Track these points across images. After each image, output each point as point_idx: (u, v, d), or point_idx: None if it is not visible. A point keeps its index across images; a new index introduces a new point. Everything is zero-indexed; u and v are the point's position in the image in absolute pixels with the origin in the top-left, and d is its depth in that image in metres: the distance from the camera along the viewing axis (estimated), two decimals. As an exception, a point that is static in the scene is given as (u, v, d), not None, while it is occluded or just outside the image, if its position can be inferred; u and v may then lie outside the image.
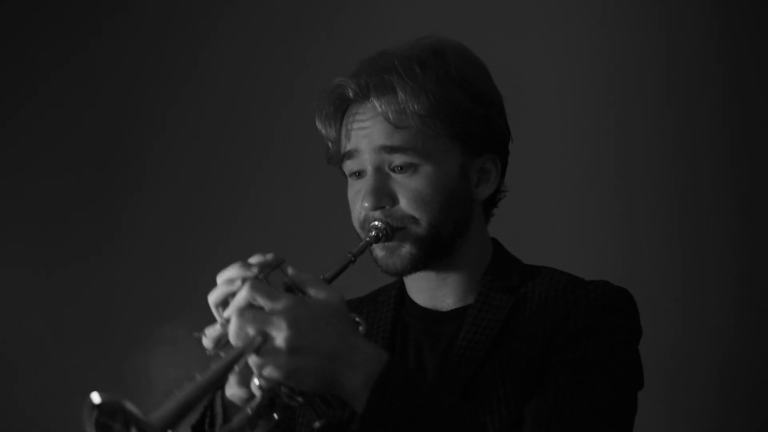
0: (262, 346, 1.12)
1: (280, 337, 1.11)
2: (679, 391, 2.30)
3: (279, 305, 1.13)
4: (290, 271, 1.21)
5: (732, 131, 2.41)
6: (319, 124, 1.49)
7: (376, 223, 1.41)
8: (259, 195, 2.83)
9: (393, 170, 1.41)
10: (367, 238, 1.40)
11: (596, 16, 2.53)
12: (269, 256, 1.23)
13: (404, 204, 1.41)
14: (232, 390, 1.26)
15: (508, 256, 1.53)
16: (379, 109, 1.40)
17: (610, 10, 2.51)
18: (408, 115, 1.39)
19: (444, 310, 1.49)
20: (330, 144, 1.50)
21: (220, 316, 1.23)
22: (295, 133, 2.81)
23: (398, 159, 1.40)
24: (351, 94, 1.44)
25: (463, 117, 1.41)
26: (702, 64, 2.44)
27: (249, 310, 1.14)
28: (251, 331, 1.12)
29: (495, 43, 2.48)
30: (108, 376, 2.84)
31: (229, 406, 1.28)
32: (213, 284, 3.07)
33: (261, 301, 1.14)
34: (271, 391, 1.16)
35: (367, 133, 1.42)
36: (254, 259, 1.24)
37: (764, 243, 2.37)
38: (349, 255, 1.36)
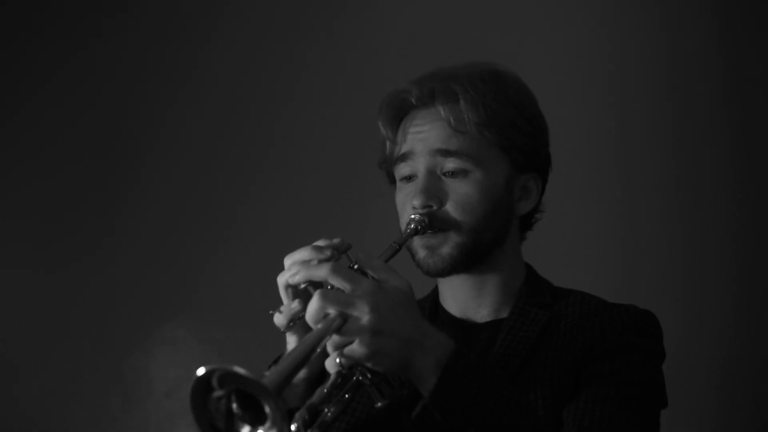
0: (341, 327, 1.18)
1: (364, 318, 1.18)
2: (679, 392, 2.29)
3: (360, 289, 1.19)
4: (361, 256, 1.27)
5: (732, 131, 2.41)
6: (380, 126, 1.54)
7: (413, 216, 1.46)
8: (260, 195, 2.83)
9: (444, 174, 1.47)
10: (407, 230, 1.45)
11: (596, 16, 2.52)
12: (336, 240, 1.31)
13: (451, 207, 1.46)
14: None
15: (540, 278, 1.59)
16: (442, 114, 1.47)
17: (610, 10, 2.51)
18: (466, 123, 1.45)
19: (479, 321, 1.54)
20: (388, 144, 1.54)
21: (288, 296, 1.30)
22: (295, 133, 2.82)
23: (451, 163, 1.46)
24: (413, 100, 1.50)
25: (515, 132, 1.49)
26: (702, 64, 2.43)
27: (332, 291, 1.20)
28: (332, 311, 1.18)
29: (495, 42, 2.48)
30: (108, 376, 2.85)
31: None
32: (212, 285, 3.09)
33: (342, 284, 1.21)
34: (346, 369, 1.22)
35: (424, 136, 1.48)
36: (323, 242, 1.30)
37: (764, 243, 2.37)
38: (395, 244, 1.42)
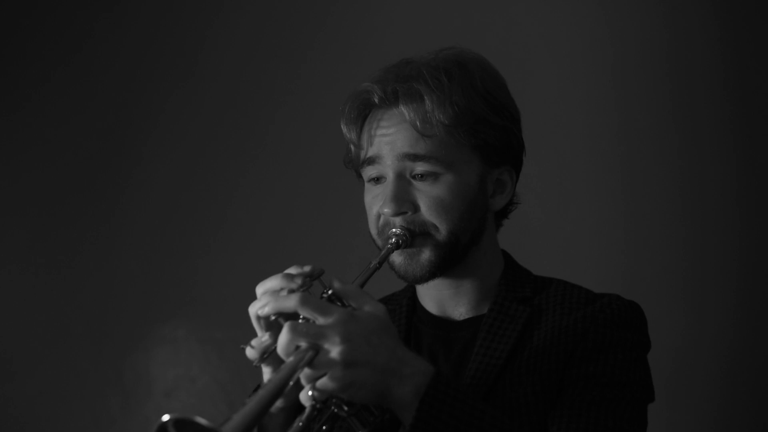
0: (313, 359, 1.14)
1: (334, 351, 1.14)
2: (681, 393, 2.29)
3: (331, 319, 1.15)
4: (336, 283, 1.23)
5: (735, 133, 2.40)
6: (343, 128, 1.49)
7: (396, 230, 1.42)
8: (260, 195, 2.82)
9: (414, 178, 1.42)
10: (388, 245, 1.41)
11: (600, 16, 2.51)
12: (307, 268, 1.26)
13: (425, 211, 1.42)
14: None
15: (519, 268, 1.55)
16: (407, 117, 1.41)
17: (614, 9, 2.50)
18: (433, 125, 1.40)
19: (458, 319, 1.50)
20: (352, 147, 1.50)
21: (261, 328, 1.26)
22: (295, 132, 2.81)
23: (421, 167, 1.41)
24: (376, 100, 1.44)
25: (485, 128, 1.43)
26: (706, 63, 2.42)
27: (301, 324, 1.16)
28: (303, 344, 1.14)
29: (496, 42, 2.48)
30: (108, 376, 2.84)
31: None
32: (212, 285, 3.07)
33: (312, 314, 1.17)
34: (321, 402, 1.18)
35: (390, 140, 1.42)
36: (294, 270, 1.26)
37: (767, 244, 2.36)
38: (376, 263, 1.38)
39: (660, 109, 2.45)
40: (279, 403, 1.29)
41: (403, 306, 1.55)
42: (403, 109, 1.41)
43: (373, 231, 1.47)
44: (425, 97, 1.40)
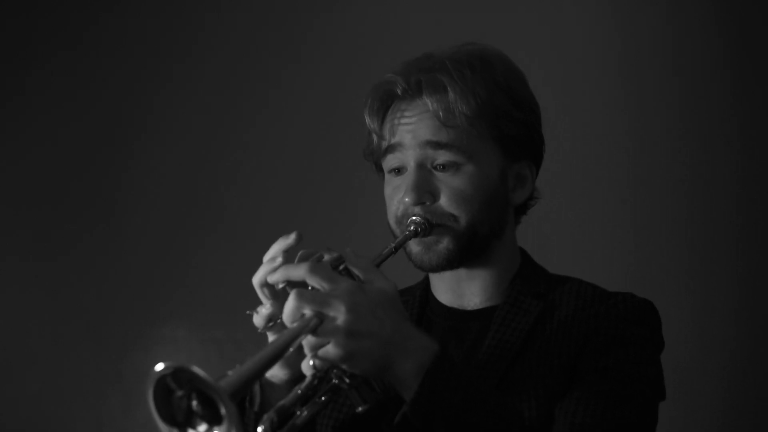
0: (317, 327, 1.15)
1: (339, 319, 1.15)
2: (685, 394, 2.29)
3: (338, 289, 1.17)
4: (349, 252, 1.24)
5: (745, 132, 2.39)
6: (366, 118, 1.50)
7: (415, 218, 1.43)
8: (261, 195, 2.82)
9: (435, 168, 1.43)
10: (406, 232, 1.42)
11: (607, 13, 2.51)
12: (292, 237, 1.27)
13: (445, 202, 1.43)
14: (273, 370, 1.30)
15: (535, 264, 1.56)
16: (430, 107, 1.42)
17: (621, 7, 2.50)
18: (456, 115, 1.41)
19: (470, 308, 1.51)
20: (374, 137, 1.51)
21: (266, 296, 1.27)
22: (296, 132, 2.81)
23: (442, 156, 1.42)
24: (399, 91, 1.46)
25: (507, 121, 1.45)
26: (714, 63, 2.42)
27: (308, 291, 1.17)
28: (308, 311, 1.15)
29: (501, 40, 2.47)
30: (108, 376, 2.84)
31: (266, 385, 1.32)
32: (213, 285, 3.06)
33: (320, 283, 1.18)
34: (322, 372, 1.19)
35: (412, 128, 1.44)
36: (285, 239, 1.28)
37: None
38: (392, 247, 1.39)
39: (668, 109, 2.45)
40: (283, 375, 1.30)
41: (416, 297, 1.56)
42: (426, 99, 1.43)
43: (392, 221, 1.47)
44: (448, 88, 1.42)
